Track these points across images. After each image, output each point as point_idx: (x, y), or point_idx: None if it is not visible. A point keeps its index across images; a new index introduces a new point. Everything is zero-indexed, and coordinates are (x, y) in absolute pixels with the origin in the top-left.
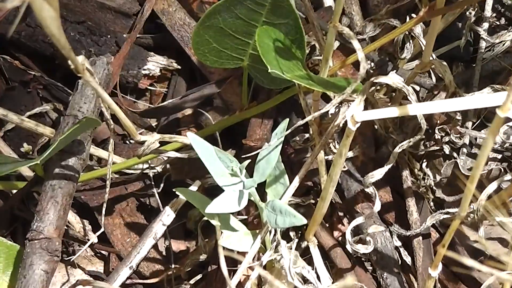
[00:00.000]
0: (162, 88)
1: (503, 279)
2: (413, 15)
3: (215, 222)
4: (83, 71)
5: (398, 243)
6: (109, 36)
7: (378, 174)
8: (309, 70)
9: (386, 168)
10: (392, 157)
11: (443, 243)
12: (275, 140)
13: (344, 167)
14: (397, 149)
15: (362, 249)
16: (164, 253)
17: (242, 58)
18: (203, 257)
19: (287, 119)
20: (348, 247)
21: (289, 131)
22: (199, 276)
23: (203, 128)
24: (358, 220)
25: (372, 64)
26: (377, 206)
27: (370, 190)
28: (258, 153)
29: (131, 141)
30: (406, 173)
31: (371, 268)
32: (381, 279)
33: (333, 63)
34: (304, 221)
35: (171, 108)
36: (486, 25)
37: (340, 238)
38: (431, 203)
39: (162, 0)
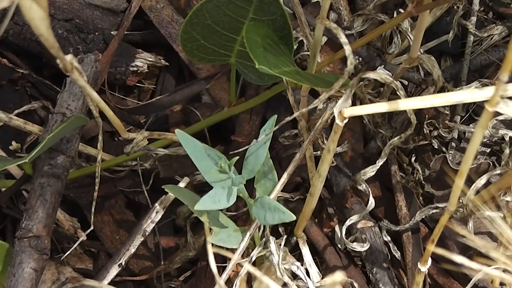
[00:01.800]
0: (150, 85)
1: (492, 275)
2: (401, 10)
3: (204, 219)
4: (71, 70)
5: (387, 238)
6: (96, 34)
7: (370, 171)
8: (297, 65)
9: (378, 165)
10: (383, 154)
11: (432, 238)
12: (264, 136)
13: (333, 162)
14: (388, 146)
15: (357, 247)
16: (153, 250)
17: (230, 54)
18: (192, 253)
19: (275, 115)
20: (342, 244)
21: (277, 127)
22: (188, 273)
23: (191, 125)
24: (353, 219)
25: (360, 59)
26: (371, 204)
27: (363, 187)
28: (246, 149)
29: (120, 138)
30: (395, 167)
31: (360, 263)
32: (370, 274)
33: (321, 59)
34: (293, 217)
35: (159, 105)
36: (474, 19)
37: (329, 234)
38: (420, 198)
39: None
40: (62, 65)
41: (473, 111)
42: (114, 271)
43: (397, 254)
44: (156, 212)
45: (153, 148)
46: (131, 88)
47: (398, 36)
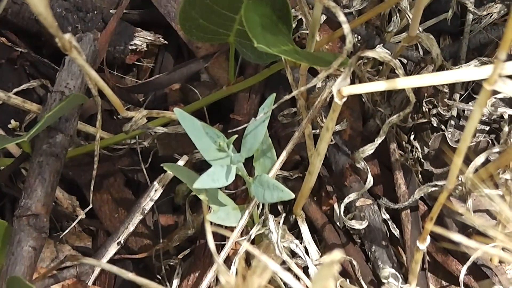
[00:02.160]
0: (149, 63)
1: (490, 253)
2: None
3: (202, 197)
4: (70, 49)
5: (386, 216)
6: (95, 12)
7: (368, 149)
8: (296, 44)
9: (376, 143)
10: (382, 132)
11: (431, 216)
12: (262, 114)
13: (332, 141)
14: (387, 124)
15: (356, 225)
16: (152, 228)
17: (229, 33)
18: (191, 232)
19: (274, 94)
20: (340, 222)
21: (276, 105)
22: (187, 251)
23: (190, 103)
24: (351, 197)
25: (359, 37)
26: (369, 182)
27: (362, 165)
28: (245, 128)
29: (119, 116)
30: (393, 146)
31: (359, 241)
32: (369, 252)
33: (320, 37)
34: (291, 195)
35: (158, 83)
36: None
37: (328, 212)
38: (419, 176)
39: None
40: (61, 44)
41: (472, 89)
42: (113, 249)
43: (396, 232)
44: (155, 191)
45: (152, 127)
46: (130, 66)
47: (397, 14)
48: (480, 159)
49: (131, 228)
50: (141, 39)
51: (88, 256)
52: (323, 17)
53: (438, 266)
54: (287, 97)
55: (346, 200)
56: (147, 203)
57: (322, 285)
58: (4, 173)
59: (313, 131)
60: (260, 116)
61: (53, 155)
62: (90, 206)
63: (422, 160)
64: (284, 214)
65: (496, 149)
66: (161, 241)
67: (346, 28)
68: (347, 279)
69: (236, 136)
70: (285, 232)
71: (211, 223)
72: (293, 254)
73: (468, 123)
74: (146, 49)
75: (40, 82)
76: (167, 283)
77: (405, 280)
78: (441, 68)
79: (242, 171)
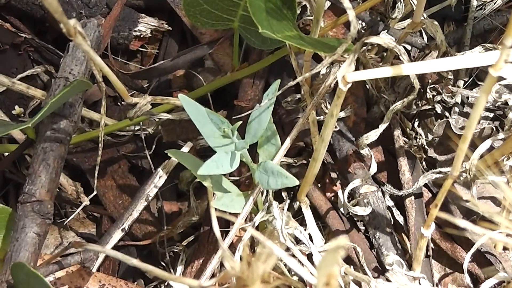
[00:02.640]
0: (153, 49)
1: (495, 239)
2: None
3: (207, 183)
4: (74, 34)
5: (390, 203)
6: None
7: (373, 135)
8: (300, 30)
9: (380, 129)
10: (386, 118)
11: (436, 202)
12: (267, 101)
13: (336, 127)
14: (391, 110)
15: (359, 211)
16: (156, 214)
17: (233, 19)
18: (195, 218)
19: (278, 80)
20: (344, 209)
21: (280, 91)
22: (191, 238)
23: (194, 89)
24: (355, 183)
25: (363, 24)
26: (373, 168)
27: (365, 151)
28: (249, 114)
29: (123, 103)
30: (398, 132)
31: (363, 228)
32: (373, 239)
33: (324, 23)
34: (296, 182)
35: (162, 69)
36: None
37: (332, 199)
38: (423, 163)
39: None
40: (65, 29)
41: (476, 76)
42: (117, 236)
43: (400, 219)
44: (159, 177)
45: (156, 113)
46: (134, 52)
47: (402, 0)
48: (484, 146)
49: (135, 214)
50: (145, 25)
51: (92, 243)
52: (327, 3)
53: (442, 253)
54: (291, 83)
55: (350, 187)
56: (151, 190)
57: (327, 271)
58: (8, 159)
59: (317, 117)
60: (264, 103)
61: (57, 141)
62: (94, 192)
63: (426, 147)
64: (288, 201)
65: (501, 135)
66: (165, 227)
67: (350, 14)
68: (351, 266)
69: (240, 122)
70: (289, 219)
71: (215, 209)
72: (297, 241)
73: (473, 110)
74: (150, 35)
75: (44, 68)
76: (171, 270)
77: (409, 267)
78: (445, 54)
79: (246, 157)
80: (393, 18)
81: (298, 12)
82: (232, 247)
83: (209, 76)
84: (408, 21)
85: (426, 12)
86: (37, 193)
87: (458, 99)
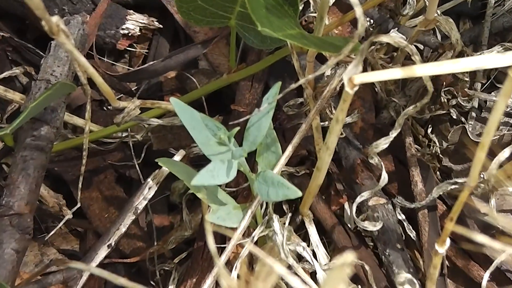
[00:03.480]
0: (142, 49)
1: None
2: None
3: (201, 195)
4: (57, 33)
5: (401, 217)
6: None
7: (383, 143)
8: (303, 28)
9: (391, 136)
10: (397, 124)
11: (451, 216)
12: (266, 105)
13: (342, 134)
14: (402, 116)
15: (369, 226)
16: (145, 229)
17: (230, 16)
18: (188, 233)
19: (279, 82)
20: (351, 223)
21: (281, 95)
22: (184, 254)
23: (187, 93)
24: (363, 195)
25: (372, 21)
26: (383, 179)
27: (375, 161)
28: (247, 120)
29: (109, 107)
30: (409, 139)
31: (372, 244)
32: (383, 256)
33: (329, 21)
34: (298, 193)
35: (152, 71)
36: None
37: (338, 212)
38: (437, 173)
39: None
40: (47, 27)
41: (494, 77)
42: (103, 252)
43: (412, 234)
44: (149, 188)
45: (145, 118)
46: (121, 52)
47: None
48: (504, 154)
49: (122, 229)
50: (134, 22)
51: (75, 260)
52: None
53: (458, 271)
54: (293, 86)
55: (358, 199)
56: (140, 202)
57: None
58: None
59: (322, 123)
60: (264, 107)
61: (38, 149)
62: (78, 205)
63: (440, 155)
64: (290, 214)
65: None
66: (155, 243)
67: (357, 10)
68: (359, 286)
69: (237, 128)
70: (291, 234)
71: (210, 223)
72: (299, 258)
73: (491, 115)
74: (139, 33)
75: (23, 69)
76: None
77: (422, 287)
78: (460, 54)
79: (244, 166)
80: (404, 15)
81: (301, 8)
82: (229, 264)
83: (204, 78)
84: (421, 18)
85: (440, 9)
86: (16, 205)
87: (475, 103)
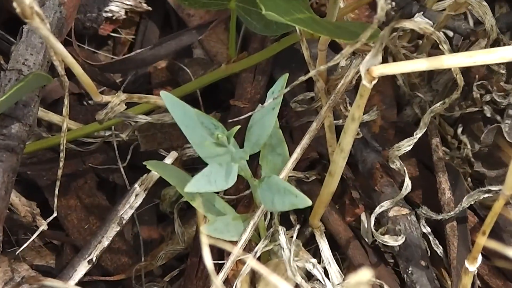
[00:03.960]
0: (128, 35)
1: None
2: None
3: (196, 203)
4: (30, 16)
5: (426, 230)
6: None
7: (406, 145)
8: (314, 11)
9: (415, 137)
10: (422, 123)
11: (484, 229)
12: (271, 100)
13: (358, 134)
14: (428, 113)
15: (390, 241)
16: (131, 242)
17: None
18: (180, 247)
19: (286, 74)
20: (369, 237)
21: (288, 88)
22: (175, 272)
23: (180, 86)
24: (383, 206)
25: (393, 4)
26: (406, 187)
27: (396, 165)
28: (249, 117)
29: (90, 102)
30: (436, 141)
31: (392, 261)
32: (405, 275)
33: (344, 3)
34: (308, 202)
35: (140, 60)
36: None
37: (353, 224)
38: (469, 179)
39: None
40: (19, 9)
41: None
42: (82, 268)
43: (439, 250)
44: (136, 195)
45: (132, 115)
46: (104, 39)
47: None
48: None
49: (105, 242)
50: (119, 4)
51: (51, 277)
52: None
53: None
54: (302, 78)
55: (377, 210)
56: (126, 211)
57: None
58: None
59: (335, 121)
60: (268, 102)
61: (7, 150)
62: (54, 214)
63: (472, 159)
64: (298, 226)
65: None
66: (142, 259)
67: None
68: None
69: (238, 127)
70: (299, 249)
71: (206, 236)
72: (309, 277)
73: None
74: (124, 17)
75: None
76: None
77: None
78: (496, 43)
79: (245, 171)
80: None
81: None
82: (228, 283)
83: (199, 69)
84: (450, 1)
85: None
86: None
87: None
